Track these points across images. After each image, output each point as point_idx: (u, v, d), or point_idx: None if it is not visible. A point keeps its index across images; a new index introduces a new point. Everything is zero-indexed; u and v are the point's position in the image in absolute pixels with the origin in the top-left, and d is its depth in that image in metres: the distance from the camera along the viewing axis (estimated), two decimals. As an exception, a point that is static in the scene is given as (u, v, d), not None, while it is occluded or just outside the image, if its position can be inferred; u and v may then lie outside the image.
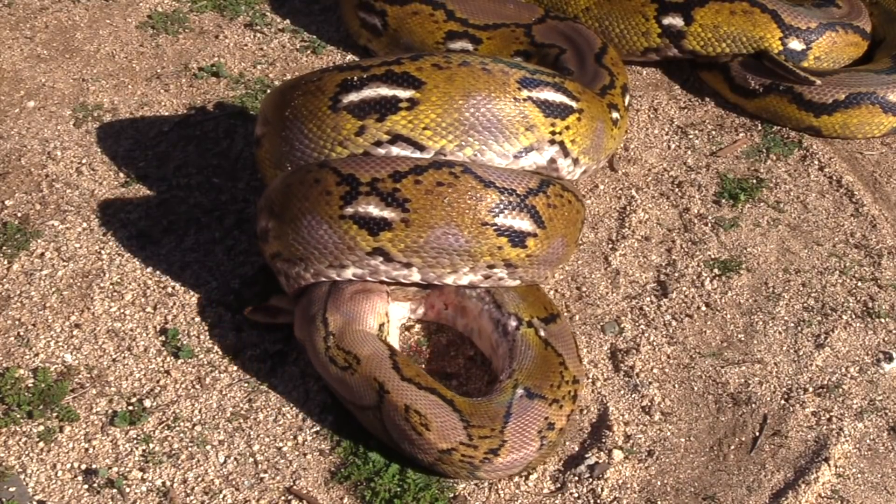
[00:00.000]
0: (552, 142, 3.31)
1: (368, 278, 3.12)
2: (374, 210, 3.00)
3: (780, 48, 4.37)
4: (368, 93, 3.15)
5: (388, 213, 2.99)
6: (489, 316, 3.21)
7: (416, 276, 3.10)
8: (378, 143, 3.17)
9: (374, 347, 3.01)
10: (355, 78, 3.17)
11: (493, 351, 3.22)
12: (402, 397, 2.87)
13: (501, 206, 3.04)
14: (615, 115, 3.73)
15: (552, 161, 3.33)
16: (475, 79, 3.18)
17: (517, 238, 3.09)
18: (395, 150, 3.16)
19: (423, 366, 3.30)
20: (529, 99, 3.23)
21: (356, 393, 2.97)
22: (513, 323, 3.15)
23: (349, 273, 3.10)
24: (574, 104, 3.35)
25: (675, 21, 4.40)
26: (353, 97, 3.16)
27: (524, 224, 3.09)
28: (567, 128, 3.33)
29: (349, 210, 3.01)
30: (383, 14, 4.47)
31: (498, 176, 3.08)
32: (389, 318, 3.16)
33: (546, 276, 3.29)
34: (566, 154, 3.37)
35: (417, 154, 3.15)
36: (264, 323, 3.37)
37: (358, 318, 3.07)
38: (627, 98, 3.99)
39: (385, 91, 3.15)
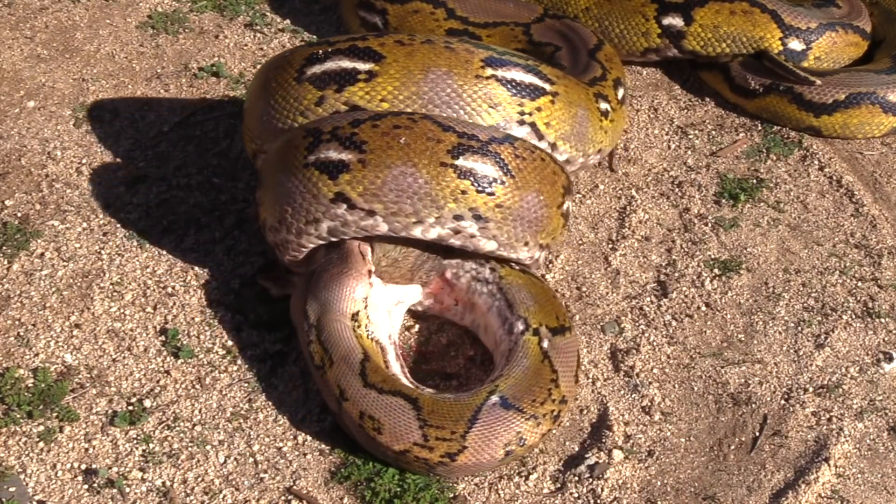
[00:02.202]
0: (522, 122, 3.35)
1: (341, 231, 3.08)
2: (333, 154, 3.04)
3: (780, 48, 4.36)
4: (330, 65, 3.27)
5: (345, 156, 3.02)
6: (499, 312, 3.17)
7: (382, 225, 3.06)
8: (336, 113, 3.24)
9: (349, 349, 2.98)
10: (321, 52, 3.29)
11: (495, 347, 3.20)
12: (357, 405, 2.87)
13: (461, 149, 3.02)
14: (603, 105, 3.71)
15: None
16: (436, 55, 3.24)
17: (482, 182, 3.03)
18: None
19: (423, 366, 3.30)
20: (493, 77, 3.28)
21: (323, 392, 3.04)
22: (520, 326, 3.10)
23: (324, 227, 3.08)
24: (547, 86, 3.40)
25: (675, 21, 4.40)
26: (316, 69, 3.28)
27: (488, 169, 3.04)
28: (538, 109, 3.37)
29: (312, 157, 3.06)
30: (384, 13, 4.47)
31: (458, 123, 3.09)
32: (368, 304, 3.09)
33: (526, 241, 3.19)
34: (540, 136, 3.40)
35: None
36: (275, 295, 3.40)
37: (331, 307, 3.05)
38: (621, 92, 3.95)
39: (346, 63, 3.25)
